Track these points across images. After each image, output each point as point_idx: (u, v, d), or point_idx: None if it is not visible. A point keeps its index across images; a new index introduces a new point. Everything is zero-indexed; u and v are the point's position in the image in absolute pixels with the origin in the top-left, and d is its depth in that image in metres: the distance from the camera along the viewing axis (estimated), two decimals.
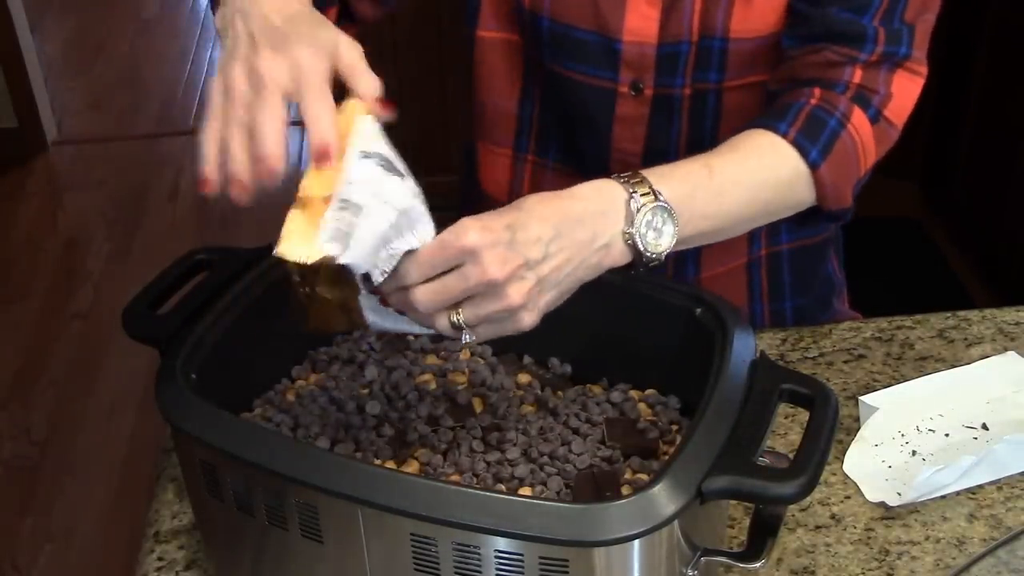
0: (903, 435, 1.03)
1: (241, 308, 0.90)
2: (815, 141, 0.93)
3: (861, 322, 1.20)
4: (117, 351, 2.79)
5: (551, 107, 1.12)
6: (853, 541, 0.94)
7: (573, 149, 1.13)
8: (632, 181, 0.82)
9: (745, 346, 0.83)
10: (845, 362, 1.14)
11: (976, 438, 1.03)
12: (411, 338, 1.01)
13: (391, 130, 0.84)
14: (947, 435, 1.03)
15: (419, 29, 2.81)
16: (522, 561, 0.71)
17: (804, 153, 0.93)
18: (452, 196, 3.57)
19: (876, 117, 0.97)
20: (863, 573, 0.92)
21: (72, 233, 3.32)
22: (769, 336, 1.17)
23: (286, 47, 0.77)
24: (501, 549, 0.71)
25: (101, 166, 3.61)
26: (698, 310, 0.88)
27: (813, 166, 0.93)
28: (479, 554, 0.72)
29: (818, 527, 0.96)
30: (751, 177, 0.91)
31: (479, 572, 0.73)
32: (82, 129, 3.82)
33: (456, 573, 0.73)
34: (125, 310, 0.90)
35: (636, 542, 0.71)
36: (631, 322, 0.92)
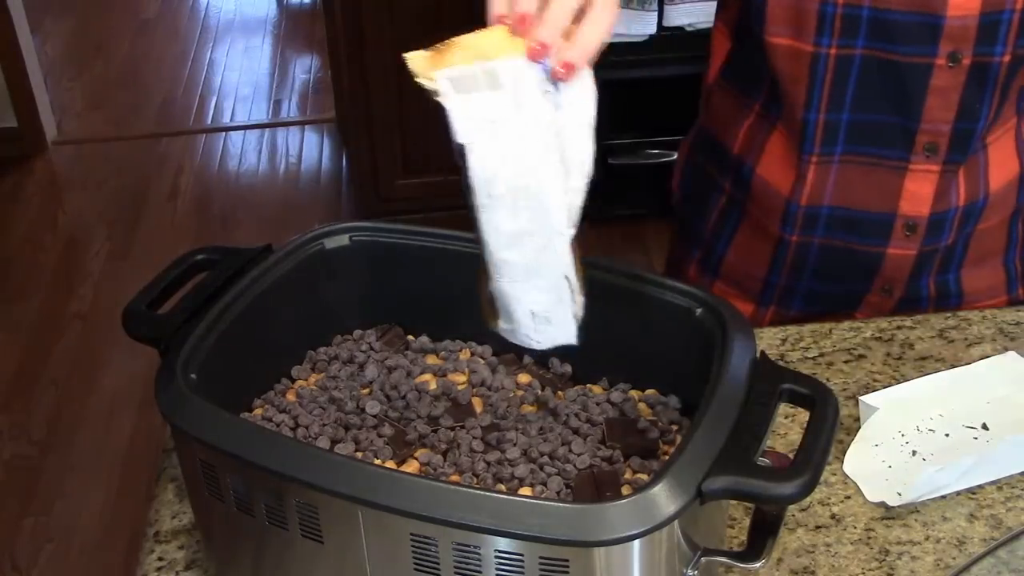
0: (903, 435, 1.03)
1: (241, 308, 0.90)
2: None
3: (861, 322, 1.20)
4: (117, 351, 2.80)
5: (859, 92, 1.12)
6: (853, 541, 0.94)
7: (870, 131, 1.13)
8: None
9: (745, 346, 0.83)
10: (845, 362, 1.14)
11: (976, 438, 1.03)
12: (411, 338, 1.01)
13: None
14: (947, 435, 1.03)
15: (419, 29, 2.81)
16: (522, 561, 0.71)
17: None
18: (452, 197, 3.56)
19: None
20: (863, 573, 0.92)
21: (72, 233, 3.32)
22: (769, 336, 1.17)
23: None
24: (501, 549, 0.71)
25: (101, 166, 3.62)
26: (698, 310, 0.88)
27: None
28: (479, 554, 0.72)
29: (818, 527, 0.96)
30: None
31: (479, 572, 0.73)
32: (82, 129, 3.83)
33: (456, 573, 0.73)
34: (125, 310, 0.90)
35: (636, 542, 0.71)
36: (631, 322, 0.92)
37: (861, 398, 1.04)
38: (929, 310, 1.23)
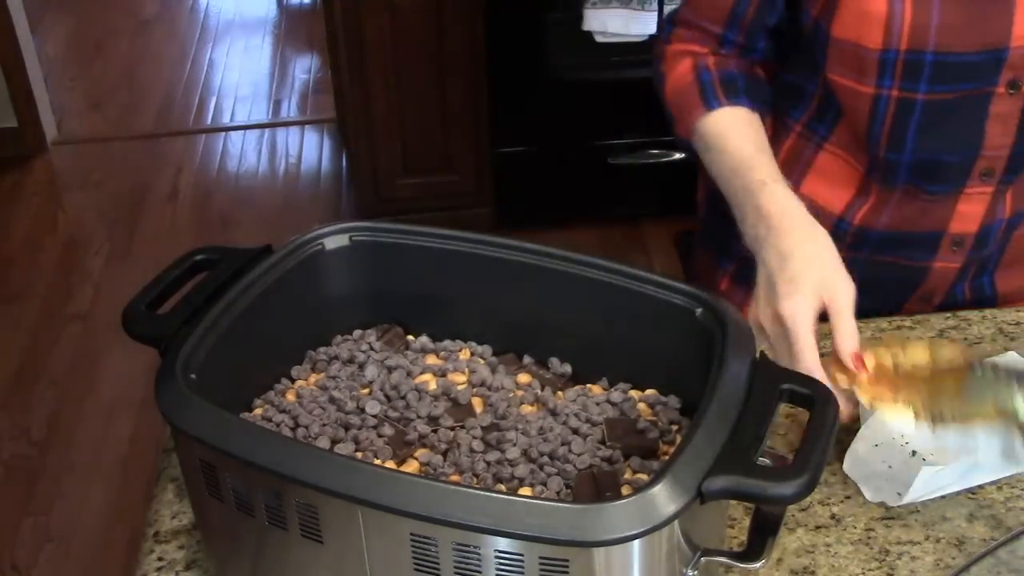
0: (903, 435, 1.03)
1: (241, 308, 0.90)
2: None
3: (861, 322, 1.20)
4: (117, 351, 2.79)
5: (920, 129, 1.12)
6: (853, 541, 0.94)
7: (931, 169, 1.14)
8: None
9: (745, 346, 0.83)
10: None
11: (977, 438, 1.02)
12: (411, 338, 1.01)
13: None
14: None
15: (419, 29, 2.81)
16: (522, 561, 0.71)
17: None
18: (452, 196, 3.56)
19: None
20: (863, 573, 0.92)
21: (72, 233, 3.32)
22: None
23: (795, 288, 0.97)
24: (501, 549, 0.71)
25: (101, 166, 3.61)
26: (698, 310, 0.88)
27: None
28: (479, 554, 0.72)
29: (818, 527, 0.96)
30: None
31: (479, 572, 0.73)
32: (82, 129, 3.83)
33: (456, 573, 0.73)
34: (125, 310, 0.90)
35: (636, 542, 0.71)
36: (631, 322, 0.92)
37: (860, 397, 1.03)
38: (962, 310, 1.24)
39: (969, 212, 1.15)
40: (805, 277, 0.97)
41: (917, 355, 0.93)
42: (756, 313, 1.00)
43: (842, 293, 0.97)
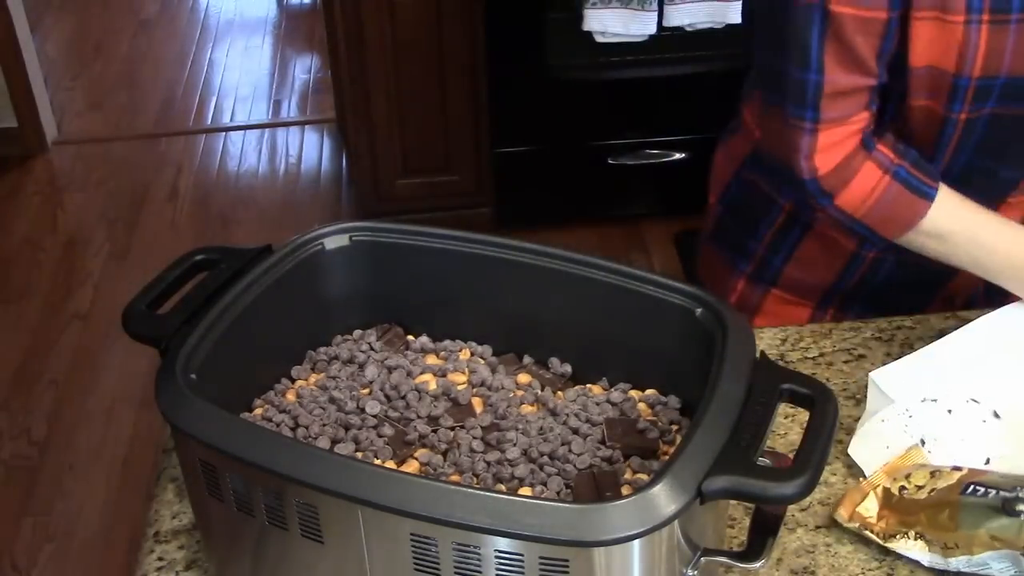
0: (907, 411, 1.01)
1: (241, 308, 0.90)
2: None
3: (861, 322, 1.20)
4: (117, 351, 2.79)
5: (983, 144, 1.12)
6: (853, 541, 0.94)
7: (993, 181, 1.15)
8: None
9: (745, 346, 0.83)
10: (845, 362, 1.14)
11: (984, 421, 1.01)
12: (411, 338, 1.01)
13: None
14: (950, 411, 1.02)
15: (419, 29, 2.81)
16: (522, 561, 0.71)
17: None
18: (452, 196, 3.56)
19: None
20: (863, 573, 0.92)
21: (72, 233, 3.32)
22: (769, 336, 1.17)
23: None
24: (501, 549, 0.71)
25: (101, 166, 3.61)
26: (698, 310, 0.88)
27: None
28: (479, 554, 0.72)
29: (818, 527, 0.96)
30: None
31: (479, 572, 0.73)
32: (82, 129, 3.82)
33: (456, 573, 0.73)
34: (125, 310, 0.90)
35: (636, 542, 0.71)
36: (631, 322, 0.92)
37: (871, 375, 1.03)
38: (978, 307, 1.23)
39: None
40: None
41: (919, 480, 0.94)
42: None
43: None
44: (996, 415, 1.03)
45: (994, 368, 1.05)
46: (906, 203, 1.08)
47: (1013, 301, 1.11)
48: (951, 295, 1.23)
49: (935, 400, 1.02)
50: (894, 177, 1.08)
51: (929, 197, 1.08)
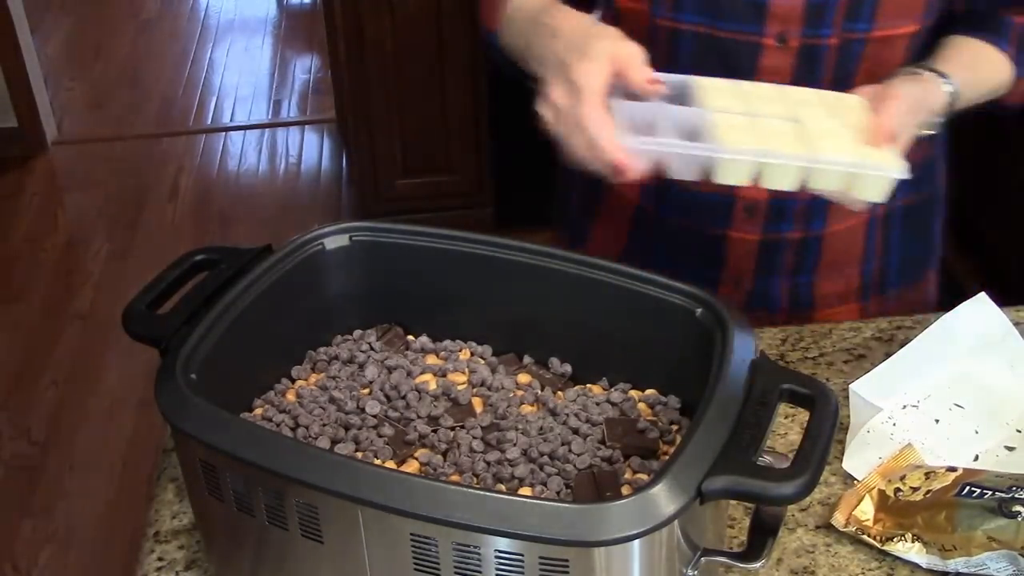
0: (891, 419, 1.02)
1: (241, 308, 0.90)
2: (1022, 58, 1.14)
3: (861, 322, 1.20)
4: (117, 351, 2.80)
5: (692, 65, 1.10)
6: (853, 541, 0.94)
7: None
8: (946, 81, 1.04)
9: (745, 346, 0.83)
10: (845, 362, 1.14)
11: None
12: (411, 338, 1.01)
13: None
14: (937, 420, 1.02)
15: (419, 29, 2.81)
16: (522, 561, 0.71)
17: (1019, 67, 1.14)
18: (452, 196, 3.55)
19: None
20: (863, 573, 0.92)
21: (72, 233, 3.32)
22: (769, 336, 1.17)
23: (586, 55, 0.91)
24: (501, 549, 0.71)
25: (101, 166, 3.62)
26: (698, 310, 0.88)
27: (1019, 77, 1.15)
28: (479, 554, 0.72)
29: (818, 527, 0.96)
30: (988, 85, 1.14)
31: (479, 572, 0.73)
32: (82, 129, 3.83)
33: (456, 573, 0.73)
34: (125, 310, 0.90)
35: (636, 542, 0.71)
36: (631, 322, 0.92)
37: (851, 387, 1.03)
38: (781, 314, 1.23)
39: None
40: (597, 47, 0.93)
41: (914, 482, 0.94)
42: (547, 97, 0.95)
43: (635, 55, 0.93)
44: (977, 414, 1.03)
45: (963, 365, 1.06)
46: None
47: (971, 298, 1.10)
48: (737, 277, 1.21)
49: (916, 406, 1.03)
50: None
51: None
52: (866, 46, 1.08)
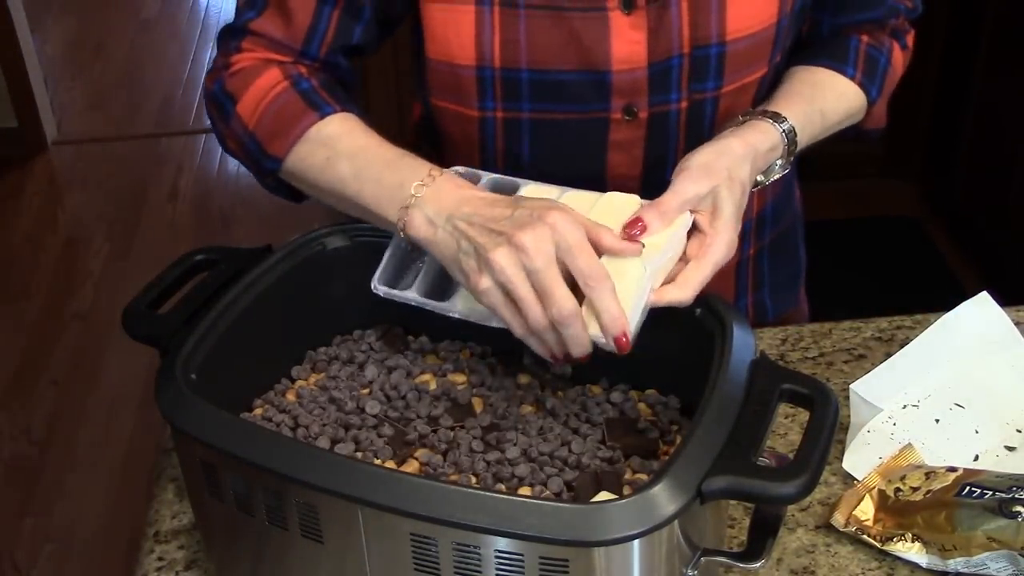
0: (891, 419, 1.02)
1: (241, 308, 0.90)
2: (873, 81, 1.12)
3: (861, 322, 1.20)
4: (117, 351, 2.80)
5: (536, 152, 1.08)
6: (853, 541, 0.94)
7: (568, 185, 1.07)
8: (779, 121, 1.00)
9: (745, 346, 0.83)
10: (845, 362, 1.14)
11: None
12: (411, 338, 1.01)
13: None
14: (937, 420, 1.02)
15: None
16: (522, 561, 0.71)
17: (867, 93, 1.11)
18: None
19: (904, 46, 1.16)
20: (863, 573, 0.92)
21: (72, 233, 3.32)
22: (769, 336, 1.17)
23: (534, 220, 0.81)
24: (501, 549, 0.71)
25: (101, 166, 3.61)
26: (698, 310, 0.88)
27: (872, 103, 1.12)
28: (479, 554, 0.72)
29: (818, 527, 0.96)
30: (835, 116, 1.09)
31: (479, 572, 0.73)
32: (82, 129, 3.82)
33: (456, 573, 0.73)
34: (125, 310, 0.90)
35: (636, 542, 0.71)
36: None
37: (852, 387, 1.03)
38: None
39: None
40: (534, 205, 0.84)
41: (914, 482, 0.94)
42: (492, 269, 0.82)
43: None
44: (977, 413, 1.03)
45: (964, 365, 1.06)
46: (296, 111, 0.98)
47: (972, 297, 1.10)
48: None
49: (916, 406, 1.03)
50: (293, 85, 0.99)
51: (323, 112, 0.97)
52: (718, 102, 1.04)
